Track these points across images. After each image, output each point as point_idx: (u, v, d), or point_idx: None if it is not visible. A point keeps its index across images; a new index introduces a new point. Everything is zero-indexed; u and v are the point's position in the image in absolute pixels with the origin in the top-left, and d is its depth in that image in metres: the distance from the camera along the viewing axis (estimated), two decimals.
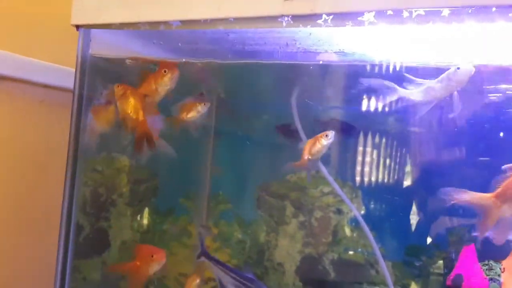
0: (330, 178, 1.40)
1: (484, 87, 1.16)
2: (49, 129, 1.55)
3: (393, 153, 1.53)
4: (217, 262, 1.29)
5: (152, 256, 1.27)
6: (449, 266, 1.31)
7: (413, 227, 1.45)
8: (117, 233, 1.62)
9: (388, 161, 1.52)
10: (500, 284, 1.07)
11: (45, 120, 1.55)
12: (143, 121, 1.24)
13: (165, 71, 1.24)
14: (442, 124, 1.28)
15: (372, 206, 1.55)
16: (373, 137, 1.51)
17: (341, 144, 1.50)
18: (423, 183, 1.47)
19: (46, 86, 1.52)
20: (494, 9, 0.91)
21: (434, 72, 1.08)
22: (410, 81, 1.10)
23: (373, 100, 1.33)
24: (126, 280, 1.44)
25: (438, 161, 1.43)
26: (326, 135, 1.20)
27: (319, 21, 1.04)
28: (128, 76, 1.43)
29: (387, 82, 1.12)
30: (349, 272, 1.48)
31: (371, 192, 1.52)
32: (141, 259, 1.29)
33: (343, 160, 1.55)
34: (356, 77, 1.26)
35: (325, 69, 1.32)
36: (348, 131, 1.50)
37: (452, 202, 1.01)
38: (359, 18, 1.00)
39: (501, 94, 1.18)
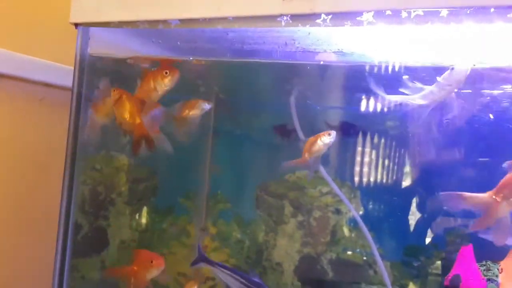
0: (329, 178, 1.40)
1: (482, 87, 1.16)
2: (49, 128, 1.55)
3: (392, 153, 1.53)
4: (222, 266, 1.26)
5: (152, 262, 1.26)
6: (447, 266, 1.31)
7: (412, 227, 1.45)
8: (116, 232, 1.61)
9: (386, 161, 1.52)
10: (498, 284, 1.07)
11: (45, 119, 1.55)
12: (140, 124, 1.23)
13: (166, 73, 1.24)
14: (440, 124, 1.28)
15: (370, 206, 1.55)
16: (372, 138, 1.52)
17: (340, 144, 1.50)
18: (422, 183, 1.47)
19: (46, 84, 1.52)
20: (492, 9, 0.91)
21: (433, 72, 1.08)
22: (408, 86, 1.10)
23: (372, 100, 1.33)
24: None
25: (436, 162, 1.43)
26: (329, 134, 1.20)
27: (318, 21, 1.04)
28: (126, 73, 1.43)
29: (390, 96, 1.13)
30: (348, 272, 1.48)
31: (369, 192, 1.52)
32: (139, 264, 1.28)
33: (342, 160, 1.55)
34: (355, 77, 1.26)
35: (324, 68, 1.32)
36: (348, 130, 1.51)
37: (452, 209, 1.00)
38: (358, 18, 1.01)
39: (500, 94, 1.18)
